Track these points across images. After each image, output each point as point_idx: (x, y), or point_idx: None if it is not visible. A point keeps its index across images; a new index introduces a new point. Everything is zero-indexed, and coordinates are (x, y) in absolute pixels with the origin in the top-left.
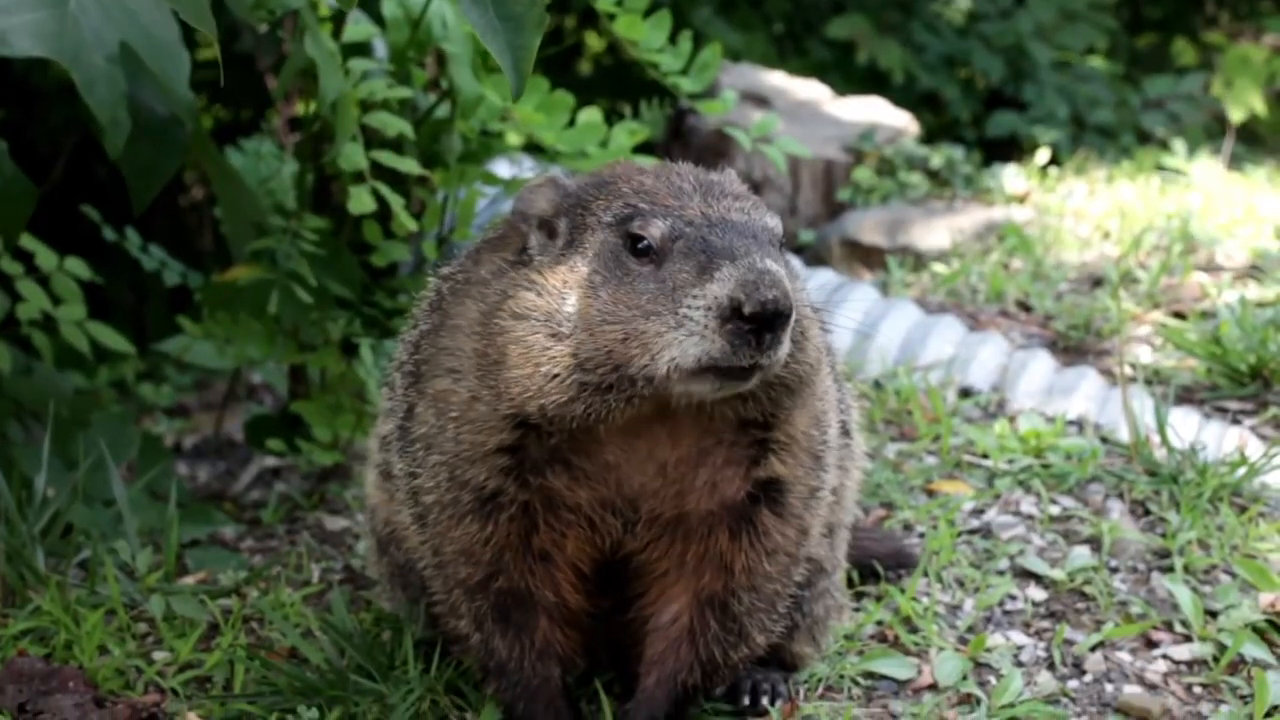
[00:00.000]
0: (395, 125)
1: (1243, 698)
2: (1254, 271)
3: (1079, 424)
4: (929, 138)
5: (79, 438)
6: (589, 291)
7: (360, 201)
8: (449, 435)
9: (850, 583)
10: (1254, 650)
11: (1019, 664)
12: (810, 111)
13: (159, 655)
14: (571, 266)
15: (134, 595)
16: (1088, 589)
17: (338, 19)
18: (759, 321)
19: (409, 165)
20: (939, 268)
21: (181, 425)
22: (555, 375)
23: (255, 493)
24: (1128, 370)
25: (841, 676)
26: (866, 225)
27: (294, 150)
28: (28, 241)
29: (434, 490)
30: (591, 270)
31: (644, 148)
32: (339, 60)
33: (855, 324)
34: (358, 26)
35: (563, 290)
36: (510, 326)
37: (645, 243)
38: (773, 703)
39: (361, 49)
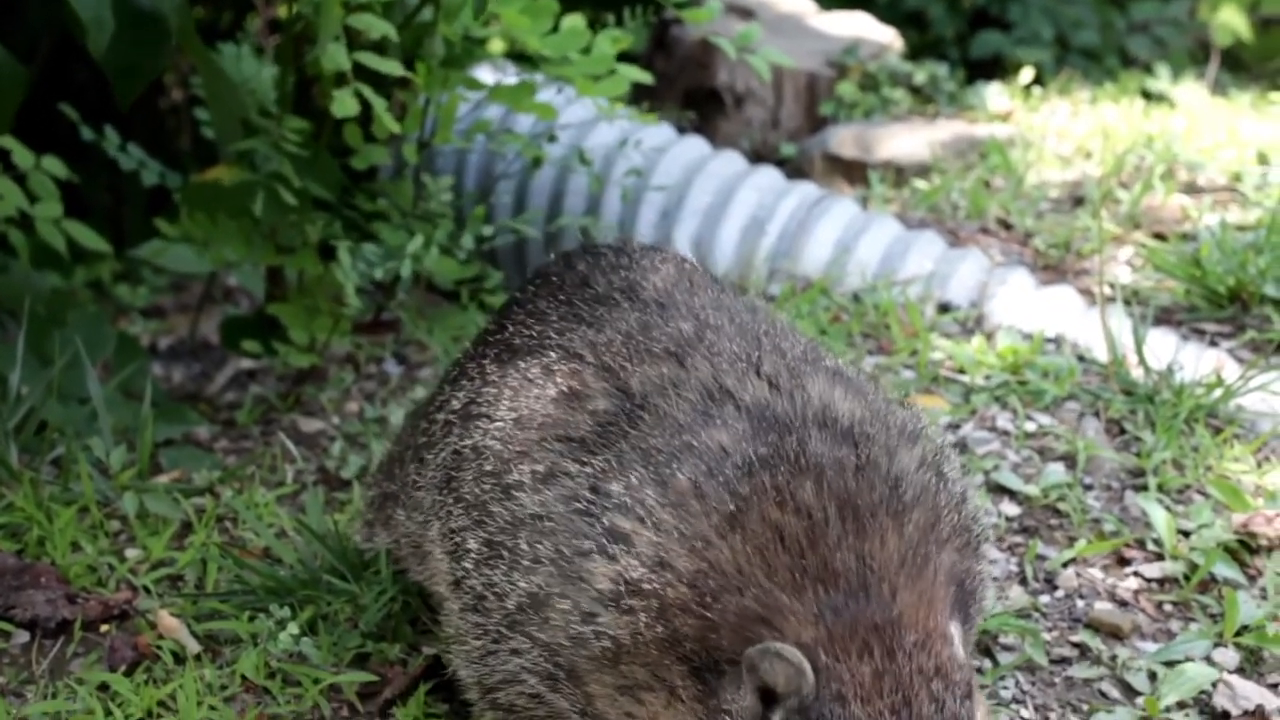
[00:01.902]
0: (379, 27)
1: (1213, 616)
2: (1235, 195)
3: (1057, 342)
4: (913, 55)
5: (55, 336)
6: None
7: (344, 104)
8: None
9: None
10: (1225, 570)
11: (992, 578)
12: (794, 25)
13: (131, 553)
14: None
15: (107, 493)
16: (1061, 506)
17: None
18: None
19: (392, 67)
20: (920, 183)
21: (157, 326)
22: None
23: (230, 394)
24: (1107, 290)
25: None
26: (848, 139)
27: (274, 52)
28: (4, 140)
29: None
30: None
31: (626, 56)
32: None
33: (835, 237)
34: None
35: None
36: None
37: None
38: None
39: None
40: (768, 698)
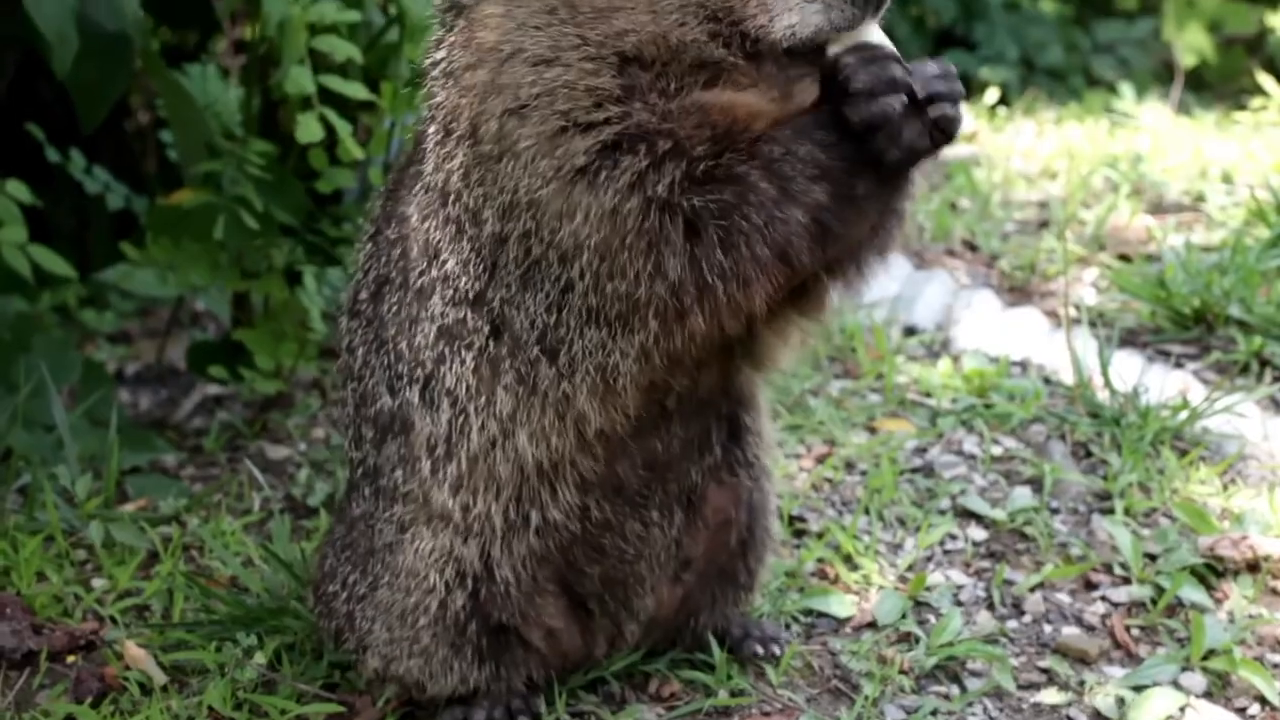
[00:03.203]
0: (344, 49)
1: (1180, 640)
2: (1200, 215)
3: (1023, 365)
4: None
5: (19, 362)
6: None
7: (308, 129)
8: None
9: (790, 520)
10: (1192, 593)
11: (958, 603)
12: None
13: (98, 583)
14: None
15: (73, 522)
16: (1028, 530)
17: None
18: None
19: (356, 90)
20: None
21: (124, 351)
22: (682, 25)
23: (197, 420)
24: (1072, 312)
25: (781, 613)
26: None
27: (240, 74)
28: None
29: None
30: None
31: None
32: None
33: None
34: None
35: None
36: None
37: None
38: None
39: None
40: None
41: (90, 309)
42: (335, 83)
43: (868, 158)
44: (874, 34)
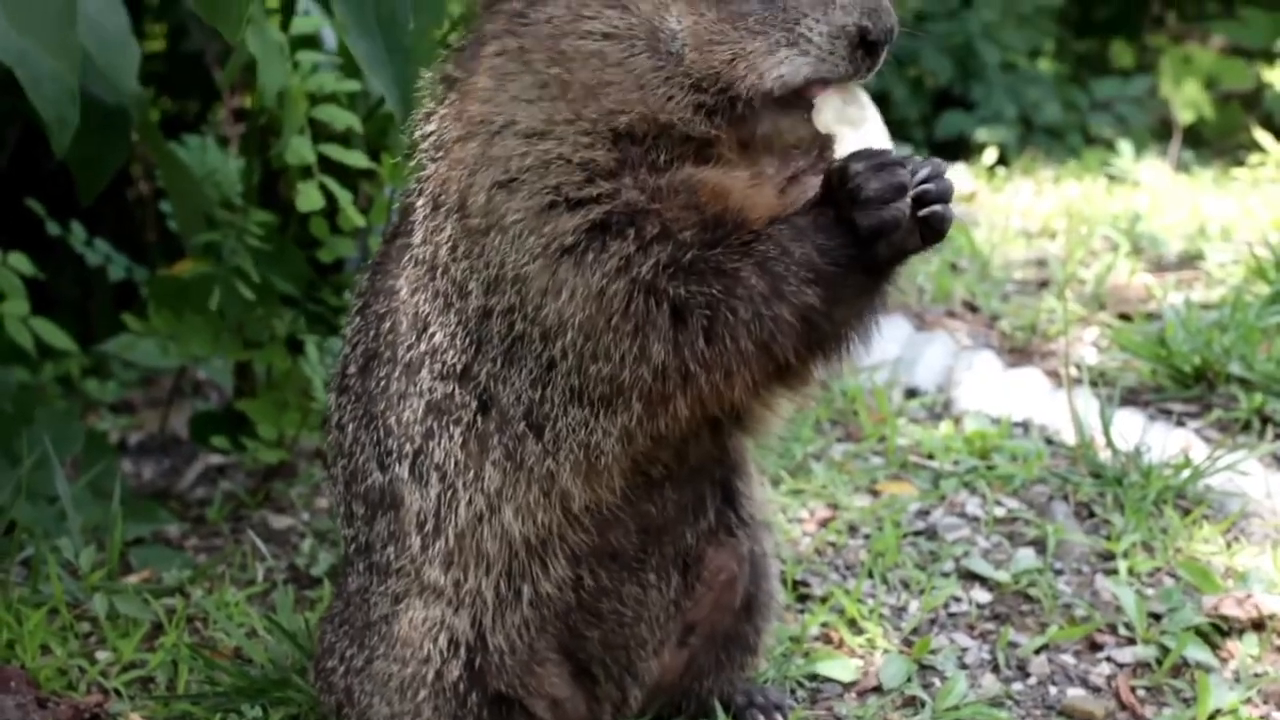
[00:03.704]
0: (344, 119)
1: (1185, 700)
2: (1199, 273)
3: (1025, 425)
4: None
5: (23, 434)
6: (690, 8)
7: (309, 198)
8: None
9: (794, 585)
10: (1197, 653)
11: (963, 666)
12: None
13: (102, 655)
14: None
15: (77, 594)
16: (1032, 591)
17: (286, 9)
18: (879, 45)
19: (357, 159)
20: None
21: (127, 421)
22: (670, 97)
23: (200, 490)
24: (1073, 372)
25: (786, 678)
26: None
27: (240, 144)
28: None
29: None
30: None
31: None
32: (286, 53)
33: None
34: (306, 18)
35: (657, 6)
36: (599, 48)
37: None
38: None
39: (310, 41)
40: None
41: (93, 379)
42: (336, 152)
43: (864, 261)
44: (865, 104)
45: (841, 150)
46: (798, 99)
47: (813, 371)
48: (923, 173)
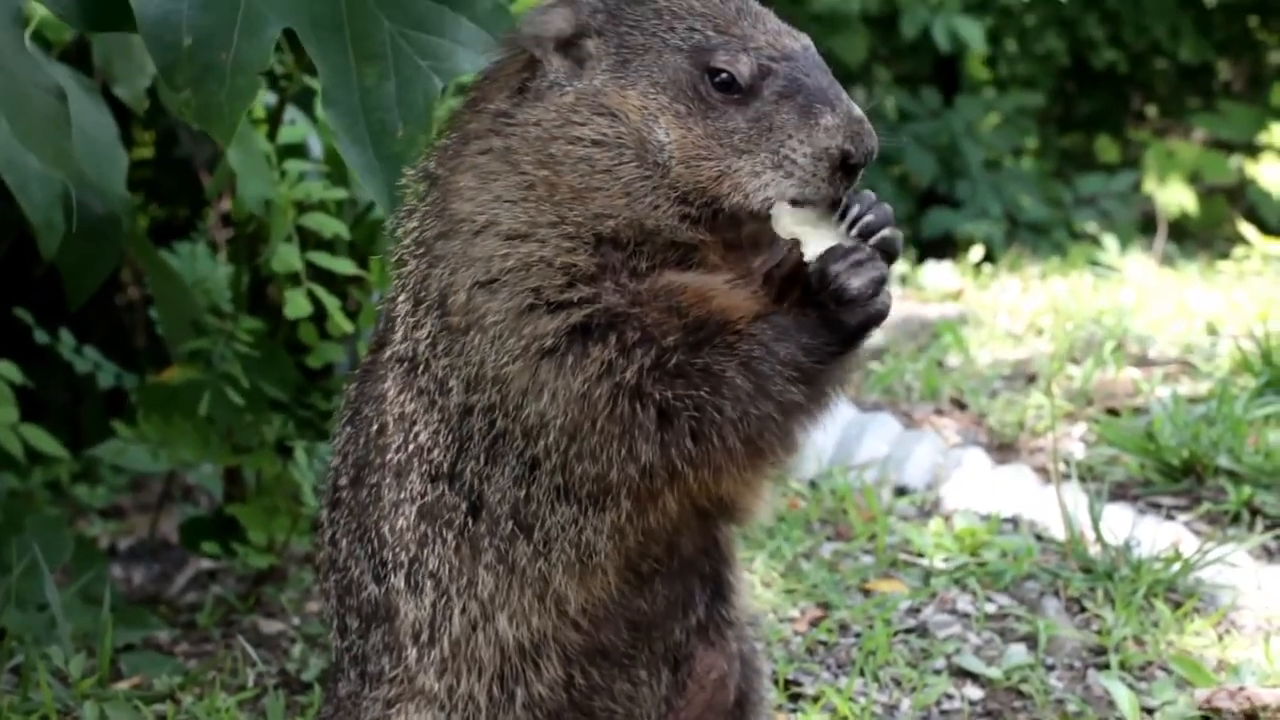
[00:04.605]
0: (331, 226)
1: None
2: (1186, 367)
3: (1014, 521)
4: None
5: (12, 542)
6: (679, 121)
7: (296, 305)
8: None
9: (785, 684)
10: None
11: None
12: None
13: None
14: (643, 92)
15: (68, 701)
16: (1024, 687)
17: (274, 119)
18: (859, 168)
19: (344, 266)
20: (874, 365)
21: (116, 527)
22: (656, 208)
23: (191, 595)
24: (1061, 467)
25: None
26: None
27: (228, 250)
28: None
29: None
30: (672, 99)
31: None
32: (273, 161)
33: None
34: (293, 127)
35: (646, 117)
36: (587, 154)
37: (727, 76)
38: None
39: (298, 149)
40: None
41: (83, 484)
42: (323, 259)
43: (845, 351)
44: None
45: (810, 251)
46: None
47: (796, 454)
48: (856, 208)
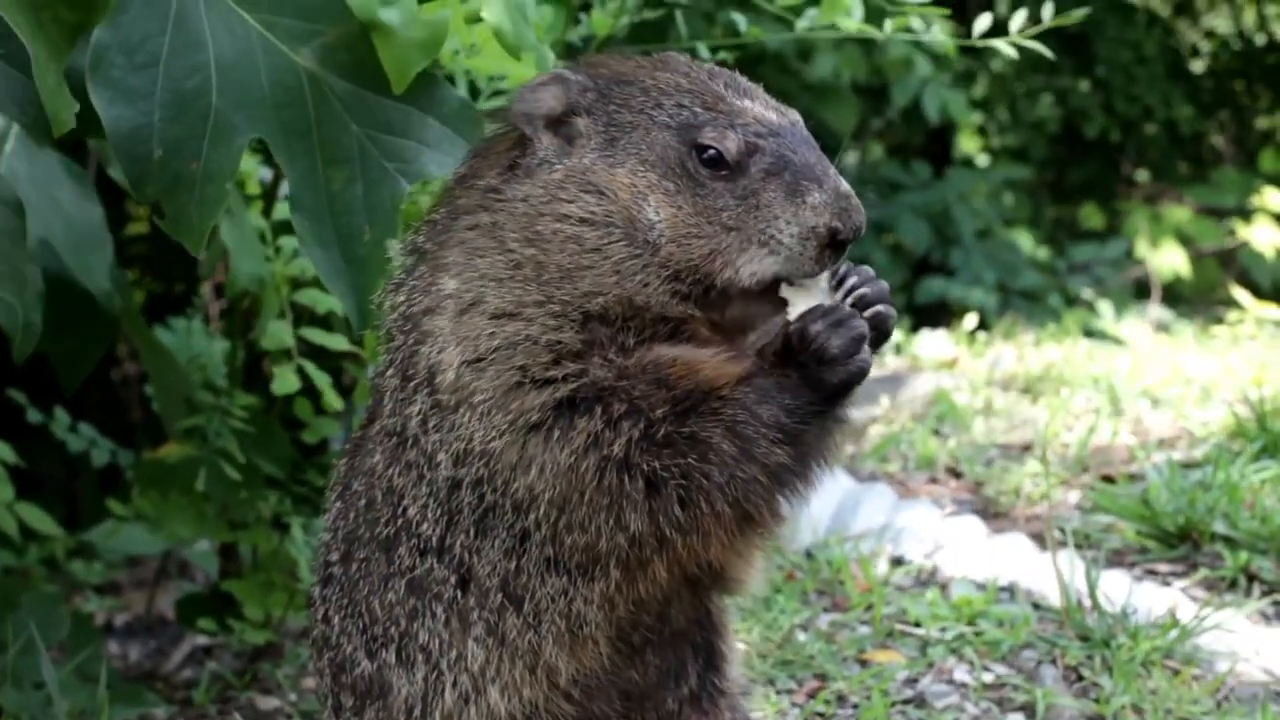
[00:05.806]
0: (325, 302)
1: None
2: (1181, 432)
3: (1010, 590)
4: None
5: (8, 619)
6: (668, 199)
7: (285, 382)
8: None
9: None
10: None
11: None
12: None
13: None
14: (632, 170)
15: None
16: None
17: (268, 196)
18: (846, 244)
19: (338, 342)
20: (871, 433)
21: (113, 603)
22: (646, 285)
23: (187, 671)
24: (1057, 535)
25: None
26: None
27: (223, 326)
28: None
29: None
30: (661, 176)
31: None
32: (268, 238)
33: None
34: (287, 203)
35: (635, 195)
36: (576, 233)
37: (714, 153)
38: None
39: (291, 226)
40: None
41: (79, 560)
42: (317, 335)
43: (828, 410)
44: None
45: (795, 314)
46: (767, 289)
47: (784, 516)
48: (852, 279)
